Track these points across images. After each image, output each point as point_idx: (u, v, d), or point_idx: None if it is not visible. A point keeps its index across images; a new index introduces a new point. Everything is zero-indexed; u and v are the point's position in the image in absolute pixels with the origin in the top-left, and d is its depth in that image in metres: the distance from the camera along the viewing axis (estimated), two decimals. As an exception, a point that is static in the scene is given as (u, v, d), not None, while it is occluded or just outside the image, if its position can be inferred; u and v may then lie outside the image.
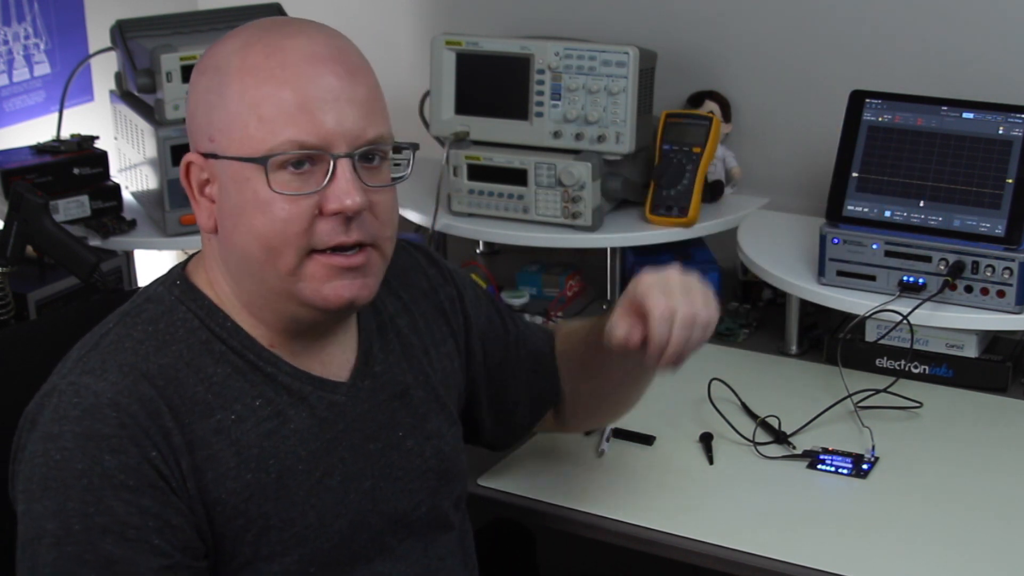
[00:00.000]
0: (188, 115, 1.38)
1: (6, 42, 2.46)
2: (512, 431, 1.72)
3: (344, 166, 1.31)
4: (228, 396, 1.34)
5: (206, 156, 1.34)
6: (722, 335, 2.24)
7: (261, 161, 1.30)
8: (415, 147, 1.44)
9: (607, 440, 1.86)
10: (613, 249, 2.36)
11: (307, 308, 1.35)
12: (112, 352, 1.32)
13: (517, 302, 2.33)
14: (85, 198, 2.26)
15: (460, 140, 2.33)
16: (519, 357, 1.66)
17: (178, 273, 1.41)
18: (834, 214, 2.07)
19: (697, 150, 2.28)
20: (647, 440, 1.87)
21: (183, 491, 1.30)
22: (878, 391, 1.94)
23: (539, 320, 2.26)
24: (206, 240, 1.40)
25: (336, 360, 1.43)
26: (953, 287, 1.97)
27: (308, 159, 1.31)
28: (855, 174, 2.07)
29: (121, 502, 1.26)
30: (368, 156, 1.34)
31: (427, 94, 2.40)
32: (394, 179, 1.40)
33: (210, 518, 1.32)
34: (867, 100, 2.08)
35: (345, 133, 1.31)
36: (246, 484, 1.33)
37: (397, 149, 1.40)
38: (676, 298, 1.42)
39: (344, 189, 1.31)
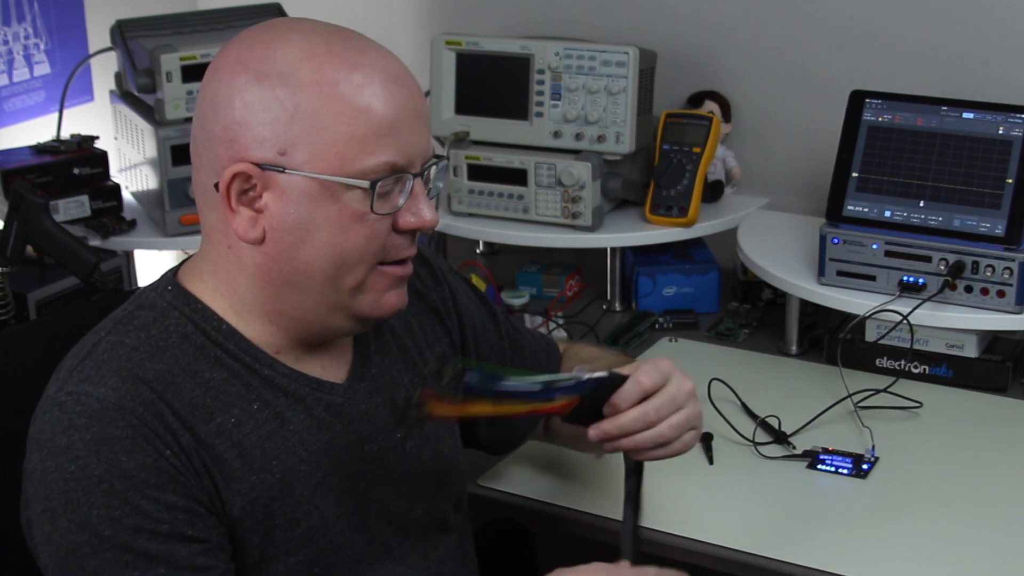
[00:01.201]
0: (231, 121, 1.30)
1: (6, 42, 2.46)
2: (507, 437, 1.71)
3: (420, 184, 1.34)
4: (226, 400, 1.33)
5: (265, 168, 1.30)
6: (722, 335, 2.24)
7: (370, 187, 1.29)
8: (445, 158, 1.47)
9: (607, 440, 1.86)
10: (613, 249, 2.36)
11: (355, 320, 1.37)
12: (106, 360, 1.31)
13: (517, 302, 2.33)
14: (85, 198, 2.26)
15: (460, 140, 2.33)
16: (514, 364, 1.65)
17: (169, 279, 1.39)
18: (834, 214, 2.07)
19: (697, 150, 2.28)
20: (647, 440, 1.87)
21: (200, 487, 1.29)
22: (878, 391, 1.94)
23: (539, 321, 2.26)
24: (228, 248, 1.35)
25: (334, 361, 1.43)
26: (953, 287, 1.97)
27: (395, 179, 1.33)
28: (855, 174, 2.07)
29: (146, 500, 1.25)
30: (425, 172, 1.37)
31: (427, 94, 2.41)
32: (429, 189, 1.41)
33: (223, 516, 1.31)
34: (867, 100, 2.08)
35: (422, 152, 1.34)
36: (251, 485, 1.32)
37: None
38: (660, 410, 1.43)
39: (425, 207, 1.34)
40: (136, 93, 2.32)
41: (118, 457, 1.24)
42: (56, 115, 2.41)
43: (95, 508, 1.23)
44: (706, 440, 1.85)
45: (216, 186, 1.31)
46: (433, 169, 1.37)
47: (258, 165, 1.29)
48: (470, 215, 2.34)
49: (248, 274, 1.34)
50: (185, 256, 1.49)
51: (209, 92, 1.32)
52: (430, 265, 1.60)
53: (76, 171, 2.27)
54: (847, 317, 2.06)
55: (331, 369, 1.42)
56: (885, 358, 2.05)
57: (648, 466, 1.81)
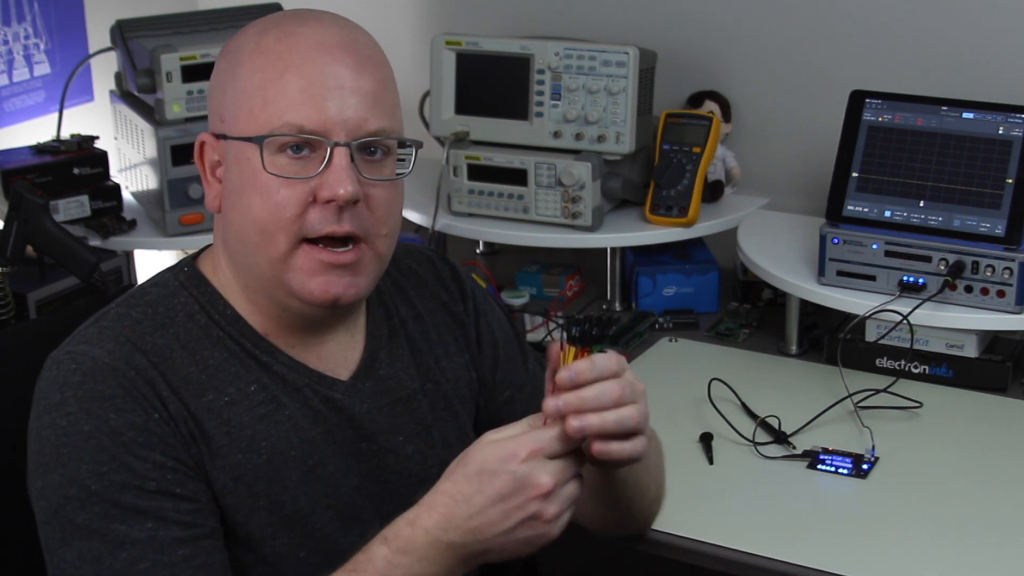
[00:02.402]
0: (208, 98, 1.40)
1: (6, 42, 2.46)
2: None
3: (341, 154, 1.31)
4: (222, 379, 1.35)
5: (217, 137, 1.36)
6: (722, 335, 2.24)
7: (257, 140, 1.31)
8: (418, 144, 1.42)
9: (607, 440, 1.86)
10: (613, 249, 2.36)
11: (295, 299, 1.35)
12: (109, 327, 1.34)
13: (517, 302, 2.33)
14: (85, 198, 2.26)
15: (460, 140, 2.33)
16: (530, 402, 1.54)
17: (187, 261, 1.43)
18: (834, 214, 2.07)
19: (697, 150, 2.28)
20: (647, 440, 1.87)
21: (188, 453, 1.30)
22: (878, 391, 1.94)
23: (539, 320, 2.26)
24: (215, 223, 1.41)
25: (336, 358, 1.43)
26: (953, 287, 1.97)
27: (307, 144, 1.31)
28: (855, 174, 2.07)
29: (135, 457, 1.26)
30: (369, 148, 1.34)
31: (427, 94, 2.40)
32: (397, 174, 1.39)
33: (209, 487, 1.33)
34: (867, 100, 2.08)
35: (346, 122, 1.31)
36: (235, 463, 1.33)
37: (402, 144, 1.39)
38: (624, 392, 1.25)
39: (338, 177, 1.30)
40: (136, 93, 2.32)
41: (107, 414, 1.26)
42: (56, 115, 2.41)
43: (84, 463, 1.25)
44: (706, 440, 1.85)
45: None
46: (380, 148, 1.34)
47: (213, 135, 1.36)
48: (470, 215, 2.34)
49: (223, 248, 1.39)
50: (181, 257, 1.50)
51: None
52: (460, 281, 1.58)
53: (76, 171, 2.27)
54: (847, 317, 2.06)
55: (333, 363, 1.42)
56: (885, 358, 2.05)
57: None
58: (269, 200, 1.31)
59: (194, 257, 1.44)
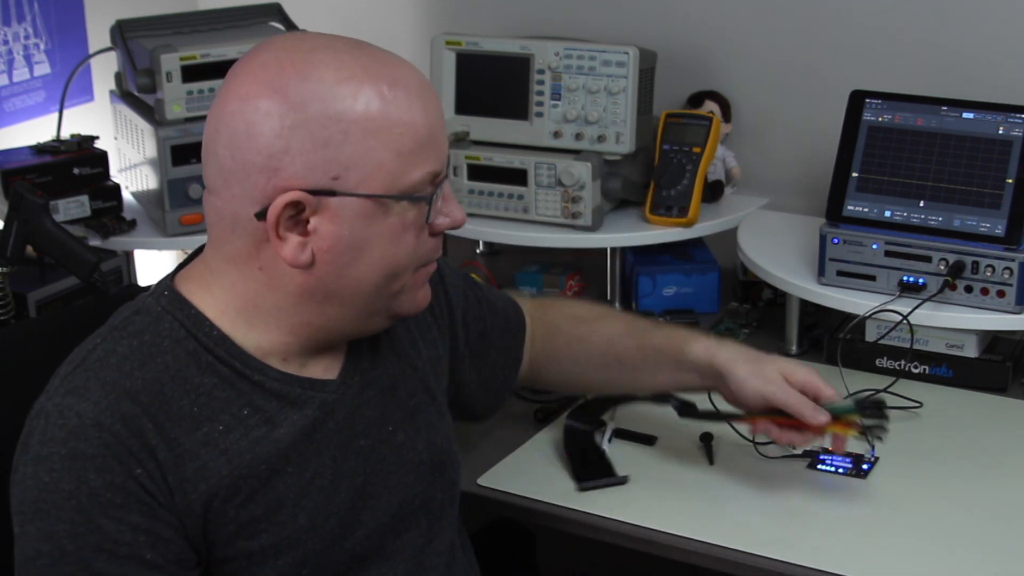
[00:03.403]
0: (275, 150, 1.28)
1: (6, 42, 2.46)
2: (498, 393, 1.75)
3: (448, 185, 1.37)
4: (215, 407, 1.34)
5: (317, 193, 1.29)
6: (722, 335, 2.24)
7: (427, 200, 1.33)
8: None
9: (608, 440, 1.86)
10: (613, 249, 2.36)
11: (390, 320, 1.41)
12: (96, 370, 1.32)
13: (517, 302, 2.33)
14: (85, 198, 2.26)
15: (460, 140, 2.33)
16: (494, 322, 1.71)
17: (166, 284, 1.40)
18: (834, 214, 2.07)
19: (697, 150, 2.28)
20: (648, 440, 1.87)
21: (171, 505, 1.30)
22: (878, 391, 1.94)
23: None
24: (252, 271, 1.34)
25: (327, 360, 1.44)
26: (953, 287, 1.97)
27: None
28: (855, 174, 2.07)
29: (110, 520, 1.27)
30: None
31: (427, 94, 2.40)
32: None
33: (203, 528, 1.32)
34: (867, 100, 2.08)
35: (448, 154, 1.38)
36: (237, 490, 1.33)
37: None
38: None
39: (455, 207, 1.38)
40: (136, 93, 2.32)
41: (88, 475, 1.26)
42: (56, 115, 2.41)
43: (62, 522, 1.26)
44: (706, 440, 1.85)
45: (259, 215, 1.30)
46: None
47: (309, 191, 1.29)
48: (470, 215, 2.33)
49: (284, 293, 1.35)
50: (181, 257, 1.49)
51: (242, 121, 1.29)
52: None
53: (76, 171, 2.27)
54: (847, 317, 2.06)
55: (324, 368, 1.43)
56: (885, 358, 2.05)
57: (649, 466, 1.82)
58: (410, 244, 1.35)
59: (171, 279, 1.41)
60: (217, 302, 1.37)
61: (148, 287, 1.44)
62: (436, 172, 1.33)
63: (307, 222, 1.30)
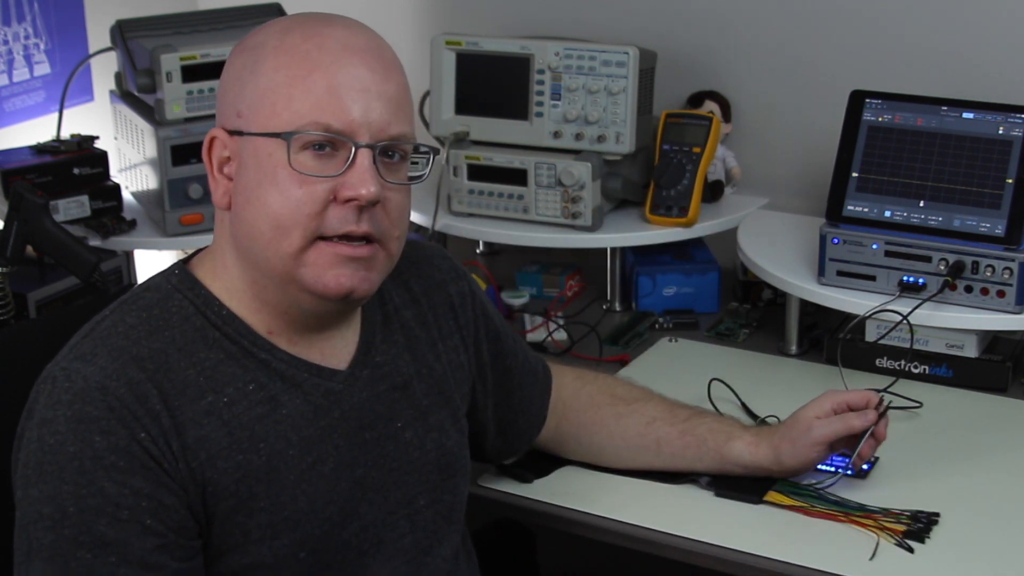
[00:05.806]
0: (219, 94, 1.40)
1: (6, 42, 2.46)
2: (513, 441, 1.73)
3: (364, 156, 1.34)
4: (220, 379, 1.35)
5: (231, 132, 1.36)
6: (722, 335, 2.24)
7: (285, 136, 1.32)
8: (435, 151, 1.46)
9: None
10: (613, 249, 2.36)
11: (307, 295, 1.36)
12: (104, 338, 1.34)
13: (517, 302, 2.33)
14: (85, 198, 2.26)
15: (460, 140, 2.33)
16: (523, 370, 1.69)
17: (178, 264, 1.43)
18: (834, 214, 2.07)
19: (697, 150, 2.28)
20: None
21: (175, 471, 1.30)
22: (878, 391, 1.94)
23: (539, 320, 2.26)
24: (219, 221, 1.41)
25: (336, 349, 1.44)
26: (953, 287, 1.97)
27: (330, 143, 1.33)
28: (855, 174, 2.07)
29: (113, 483, 1.27)
30: (389, 151, 1.37)
31: (427, 94, 2.40)
32: (410, 178, 1.41)
33: (203, 498, 1.33)
34: (867, 100, 2.08)
35: (370, 124, 1.34)
36: (237, 464, 1.34)
37: (416, 150, 1.43)
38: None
39: (361, 178, 1.33)
40: (136, 93, 2.32)
41: (92, 437, 1.27)
42: (56, 115, 2.41)
43: (65, 484, 1.26)
44: (706, 440, 1.85)
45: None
46: (398, 152, 1.38)
47: (226, 131, 1.36)
48: (470, 215, 2.34)
49: (230, 248, 1.39)
50: (182, 257, 1.50)
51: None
52: (451, 260, 1.63)
53: (76, 171, 2.27)
54: (847, 317, 2.06)
55: (333, 356, 1.44)
56: (885, 358, 2.05)
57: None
58: (289, 196, 1.32)
59: (185, 261, 1.44)
60: (225, 283, 1.39)
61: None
62: (326, 125, 1.32)
63: (229, 164, 1.37)
